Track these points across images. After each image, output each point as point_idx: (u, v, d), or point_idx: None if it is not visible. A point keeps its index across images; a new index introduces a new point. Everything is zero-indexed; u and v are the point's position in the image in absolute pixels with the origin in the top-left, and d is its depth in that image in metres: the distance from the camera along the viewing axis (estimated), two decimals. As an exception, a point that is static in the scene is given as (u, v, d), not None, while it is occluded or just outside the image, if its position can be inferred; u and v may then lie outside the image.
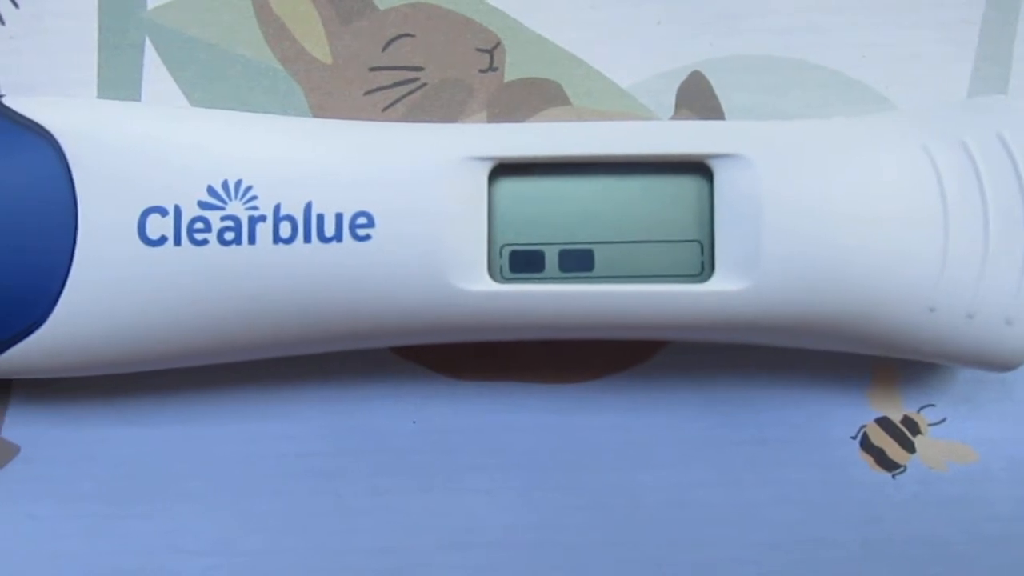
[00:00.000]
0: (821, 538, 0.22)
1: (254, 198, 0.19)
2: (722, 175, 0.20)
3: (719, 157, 0.20)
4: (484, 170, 0.20)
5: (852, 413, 0.22)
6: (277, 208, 0.19)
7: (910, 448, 0.22)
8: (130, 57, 0.23)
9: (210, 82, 0.23)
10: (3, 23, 0.23)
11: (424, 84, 0.23)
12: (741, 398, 0.22)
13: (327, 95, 0.23)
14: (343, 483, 0.22)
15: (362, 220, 0.19)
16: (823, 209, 0.19)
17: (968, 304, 0.19)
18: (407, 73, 0.23)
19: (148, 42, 0.23)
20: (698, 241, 0.20)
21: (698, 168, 0.20)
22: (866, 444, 0.22)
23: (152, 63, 0.23)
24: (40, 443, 0.22)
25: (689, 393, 0.23)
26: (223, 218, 0.19)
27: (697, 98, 0.23)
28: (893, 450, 0.22)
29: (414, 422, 0.23)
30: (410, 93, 0.23)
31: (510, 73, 0.23)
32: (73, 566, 0.22)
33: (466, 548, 0.22)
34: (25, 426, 0.23)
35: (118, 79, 0.23)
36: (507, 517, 0.22)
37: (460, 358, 0.23)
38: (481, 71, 0.23)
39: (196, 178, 0.20)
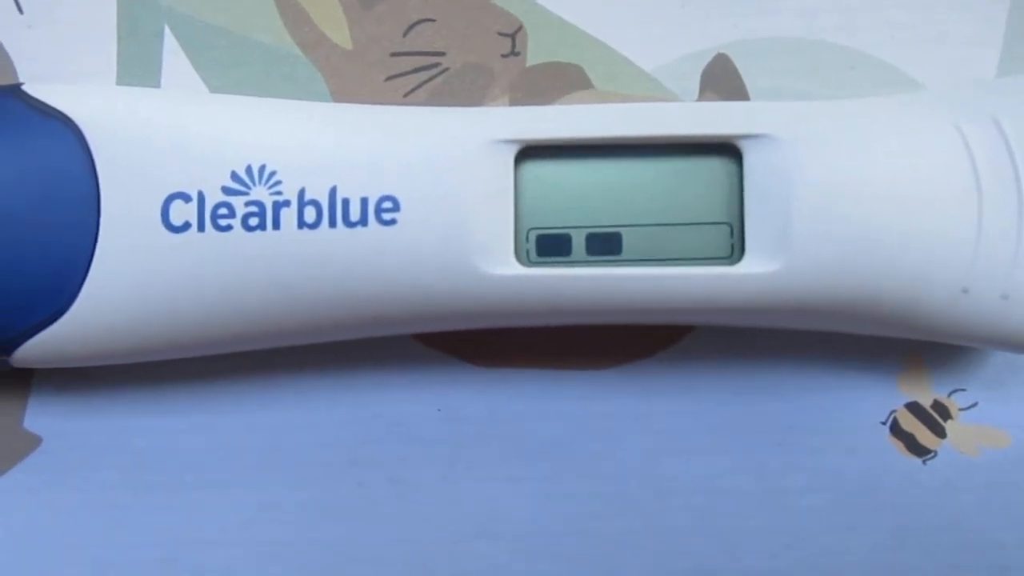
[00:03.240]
0: (851, 525, 0.22)
1: (278, 183, 0.19)
2: (751, 156, 0.19)
3: (748, 138, 0.19)
4: (510, 153, 0.19)
5: (881, 398, 0.22)
6: (302, 193, 0.19)
7: (941, 433, 0.22)
8: (149, 45, 0.23)
9: (229, 69, 0.23)
10: (21, 12, 0.23)
11: (446, 69, 0.23)
12: (769, 384, 0.22)
13: (347, 81, 0.23)
14: (366, 472, 0.22)
15: (387, 204, 0.19)
16: (854, 189, 0.19)
17: (1003, 285, 0.19)
18: (428, 58, 0.23)
19: (167, 29, 0.23)
20: (728, 223, 0.20)
21: (727, 149, 0.19)
22: (896, 429, 0.22)
23: (171, 51, 0.23)
24: (62, 434, 0.22)
25: (716, 379, 0.22)
26: (247, 203, 0.19)
27: (722, 81, 0.23)
28: (924, 435, 0.22)
29: (438, 410, 0.22)
30: (431, 78, 0.23)
31: (532, 57, 0.23)
32: (94, 556, 0.22)
33: (490, 537, 0.22)
34: (47, 417, 0.22)
35: (137, 67, 0.23)
36: (532, 505, 0.22)
37: (484, 345, 0.22)
38: (503, 56, 0.23)
39: (219, 164, 0.19)
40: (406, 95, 0.23)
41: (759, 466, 0.22)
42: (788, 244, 0.19)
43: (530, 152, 0.20)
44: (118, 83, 0.23)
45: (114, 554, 0.22)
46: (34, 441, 0.22)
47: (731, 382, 0.22)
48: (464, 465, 0.22)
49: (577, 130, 0.19)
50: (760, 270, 0.19)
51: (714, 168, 0.20)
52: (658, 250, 0.20)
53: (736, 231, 0.19)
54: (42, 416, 0.22)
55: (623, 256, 0.20)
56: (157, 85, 0.23)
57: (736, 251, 0.19)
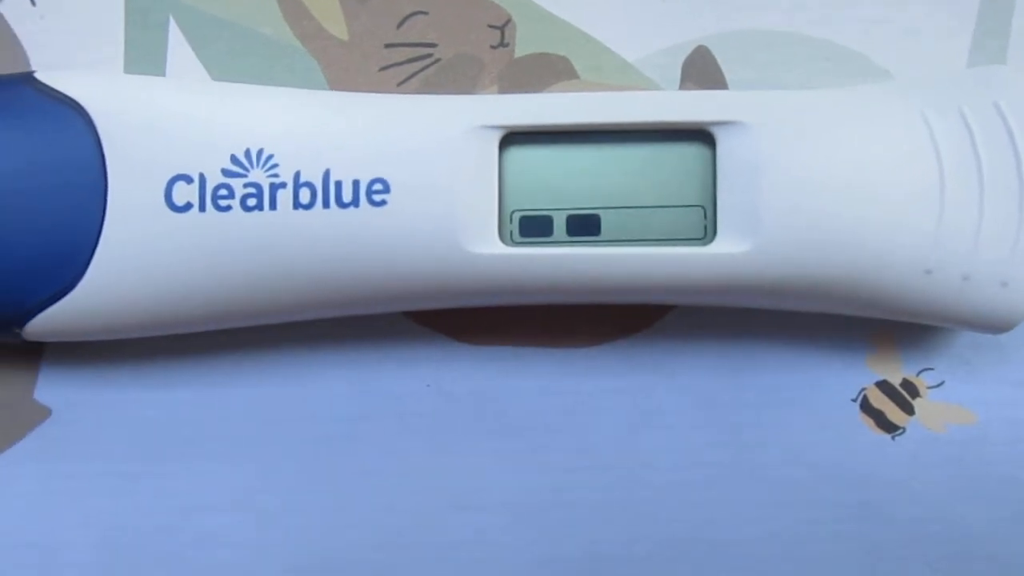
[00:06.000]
0: (822, 497, 0.23)
1: (275, 166, 0.20)
2: (724, 142, 0.20)
3: (721, 125, 0.20)
4: (495, 138, 0.20)
5: (852, 376, 0.23)
6: (297, 175, 0.20)
7: (909, 410, 0.23)
8: (155, 36, 0.24)
9: (232, 60, 0.24)
10: (34, 4, 0.24)
11: (437, 60, 0.24)
12: (745, 362, 0.23)
13: (344, 71, 0.24)
14: (359, 444, 0.23)
15: (378, 187, 0.20)
16: (822, 174, 0.20)
17: (964, 266, 0.20)
18: (421, 49, 0.24)
19: (172, 21, 0.24)
20: (701, 206, 0.20)
21: (701, 136, 0.20)
22: (866, 406, 0.23)
23: (176, 41, 0.24)
24: (70, 405, 0.23)
25: (694, 358, 0.23)
26: (246, 185, 0.20)
27: (702, 72, 0.23)
28: (893, 412, 0.23)
29: (428, 385, 0.23)
30: (424, 69, 0.24)
31: (520, 49, 0.24)
32: (101, 524, 0.23)
33: (476, 509, 0.23)
34: (56, 389, 0.23)
35: (143, 57, 0.24)
36: (516, 479, 0.23)
37: (473, 323, 0.23)
38: (492, 47, 0.24)
39: (220, 147, 0.20)
40: (399, 84, 0.24)
41: (735, 441, 0.23)
42: (758, 226, 0.20)
43: (514, 138, 0.21)
44: (125, 72, 0.24)
45: (119, 521, 0.23)
46: (44, 412, 0.23)
47: (708, 360, 0.23)
48: (452, 438, 0.23)
49: (559, 117, 0.20)
50: (731, 250, 0.20)
51: (688, 154, 0.21)
52: (635, 231, 0.20)
53: (709, 213, 0.20)
54: (52, 388, 0.23)
55: (602, 237, 0.21)
56: (162, 74, 0.24)
57: (709, 232, 0.20)
